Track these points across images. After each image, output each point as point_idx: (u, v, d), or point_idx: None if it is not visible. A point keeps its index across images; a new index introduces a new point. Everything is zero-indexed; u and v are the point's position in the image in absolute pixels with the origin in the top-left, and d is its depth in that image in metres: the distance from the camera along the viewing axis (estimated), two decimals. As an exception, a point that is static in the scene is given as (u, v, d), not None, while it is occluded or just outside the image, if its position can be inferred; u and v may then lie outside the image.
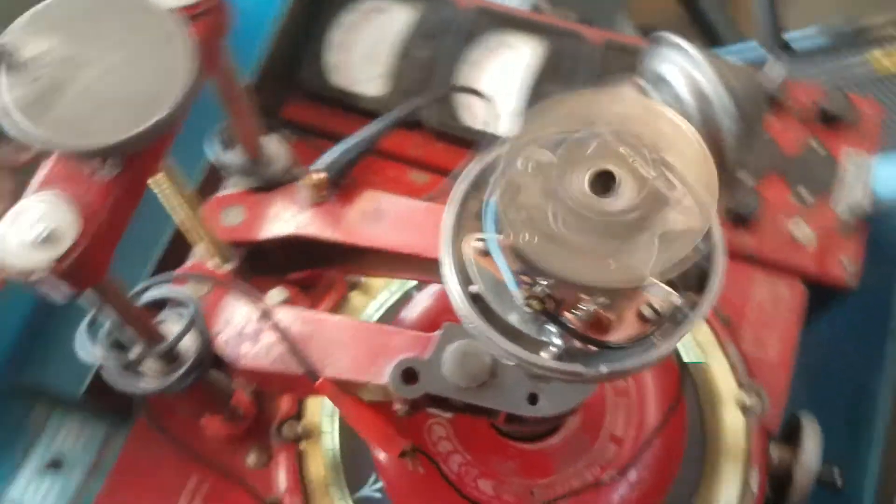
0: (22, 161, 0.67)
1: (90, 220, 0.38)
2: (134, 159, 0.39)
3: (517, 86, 0.83)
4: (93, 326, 0.49)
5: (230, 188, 0.62)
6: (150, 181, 0.46)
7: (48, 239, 0.37)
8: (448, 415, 0.58)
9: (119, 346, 0.50)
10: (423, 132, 0.83)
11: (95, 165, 0.39)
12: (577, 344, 0.36)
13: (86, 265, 0.38)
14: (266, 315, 0.53)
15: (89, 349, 0.48)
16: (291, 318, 0.55)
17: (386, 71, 0.85)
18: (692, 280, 0.37)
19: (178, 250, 0.63)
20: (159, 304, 0.53)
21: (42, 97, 0.37)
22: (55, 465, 0.73)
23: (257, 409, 0.70)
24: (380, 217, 0.57)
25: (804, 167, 0.81)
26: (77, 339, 0.48)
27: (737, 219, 0.78)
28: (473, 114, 0.82)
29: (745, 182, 0.78)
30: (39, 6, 0.39)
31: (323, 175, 0.58)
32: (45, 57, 0.38)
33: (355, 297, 0.73)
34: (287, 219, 0.59)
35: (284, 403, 0.71)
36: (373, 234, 0.56)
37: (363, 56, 0.86)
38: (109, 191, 0.39)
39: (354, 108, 0.83)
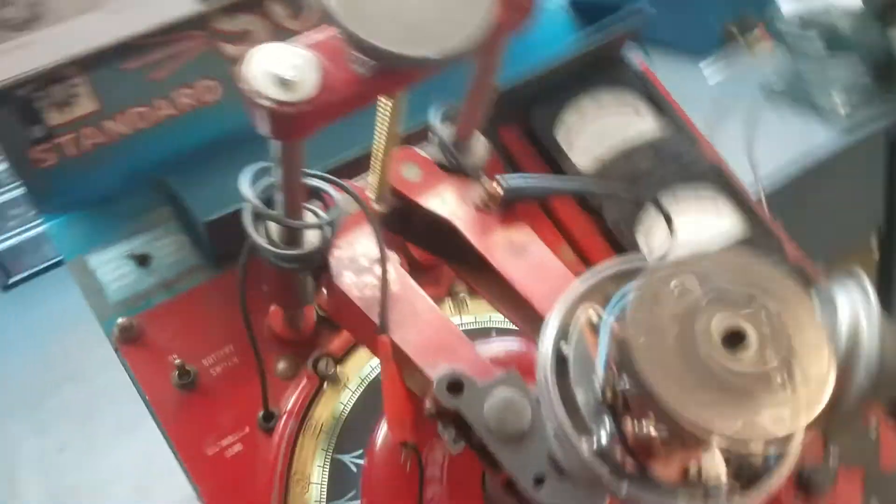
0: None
1: (328, 91, 0.43)
2: (388, 73, 0.44)
3: (703, 242, 0.85)
4: (259, 172, 0.54)
5: (424, 150, 0.66)
6: (380, 98, 0.51)
7: (290, 83, 0.42)
8: (457, 447, 0.59)
9: (266, 202, 0.55)
10: (595, 220, 0.85)
11: (360, 59, 0.44)
12: (617, 454, 0.37)
13: (302, 120, 0.43)
14: (382, 260, 0.57)
15: (246, 188, 0.53)
16: (396, 277, 0.58)
17: (603, 155, 0.88)
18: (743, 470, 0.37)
19: (358, 166, 0.67)
20: (314, 194, 0.58)
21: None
22: (141, 259, 0.80)
23: (314, 331, 0.75)
24: (522, 253, 0.59)
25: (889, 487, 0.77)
26: (242, 175, 0.53)
27: (802, 482, 0.75)
28: (648, 235, 0.84)
29: (831, 455, 0.75)
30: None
31: (501, 190, 0.62)
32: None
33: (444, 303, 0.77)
34: (449, 203, 0.63)
35: (336, 342, 0.74)
36: (507, 263, 0.59)
37: (595, 131, 0.90)
38: (355, 82, 0.44)
39: (556, 165, 0.87)
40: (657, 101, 0.94)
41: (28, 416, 1.55)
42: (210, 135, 0.88)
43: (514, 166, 0.88)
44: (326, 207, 0.58)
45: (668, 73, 0.99)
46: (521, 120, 0.90)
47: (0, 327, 1.94)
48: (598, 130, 0.91)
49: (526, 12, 0.49)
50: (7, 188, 2.08)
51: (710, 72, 1.87)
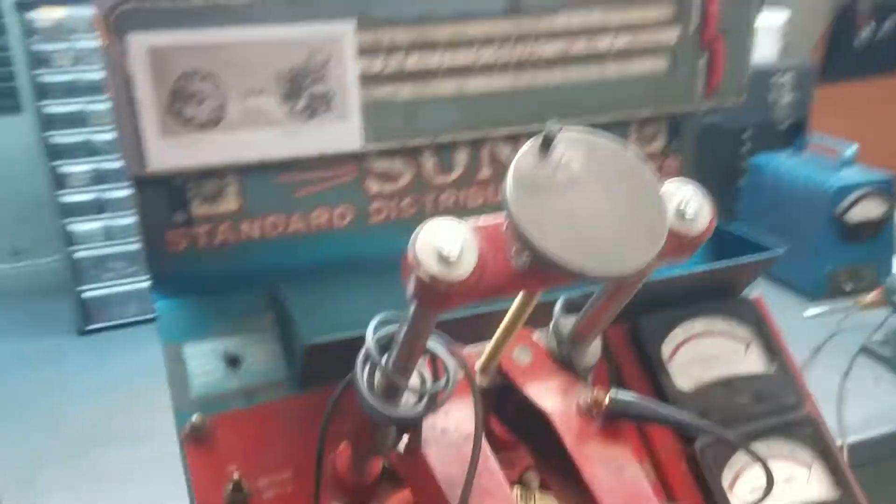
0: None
1: (480, 276, 0.44)
2: (542, 273, 0.45)
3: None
4: (383, 321, 0.55)
5: (539, 335, 0.66)
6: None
7: (448, 261, 0.43)
8: None
9: (381, 349, 0.55)
10: (684, 446, 0.83)
11: (520, 255, 0.45)
12: None
13: (448, 298, 0.44)
14: (475, 449, 0.55)
15: (371, 331, 0.54)
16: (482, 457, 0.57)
17: (704, 380, 0.87)
18: None
19: (473, 327, 0.67)
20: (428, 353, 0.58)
21: (544, 186, 0.44)
22: (232, 360, 0.81)
23: (376, 481, 0.72)
24: (617, 472, 0.57)
25: None
26: (371, 324, 0.54)
27: None
28: (737, 478, 0.80)
29: None
30: (588, 133, 0.47)
31: (608, 400, 0.60)
32: (568, 161, 0.45)
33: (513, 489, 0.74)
34: (552, 397, 0.62)
35: (395, 499, 0.72)
36: (598, 476, 0.57)
37: (701, 355, 0.89)
38: (508, 274, 0.45)
39: (655, 378, 0.86)
40: (768, 342, 0.93)
41: (66, 464, 1.55)
42: (331, 257, 0.91)
43: (614, 367, 0.87)
44: (435, 372, 0.57)
45: (772, 307, 0.98)
46: (630, 320, 0.90)
47: (67, 369, 1.99)
48: (704, 355, 0.90)
49: (692, 252, 0.50)
50: (115, 242, 2.19)
51: (815, 315, 1.84)
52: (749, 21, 0.95)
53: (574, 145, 0.45)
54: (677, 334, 0.91)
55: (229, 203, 0.86)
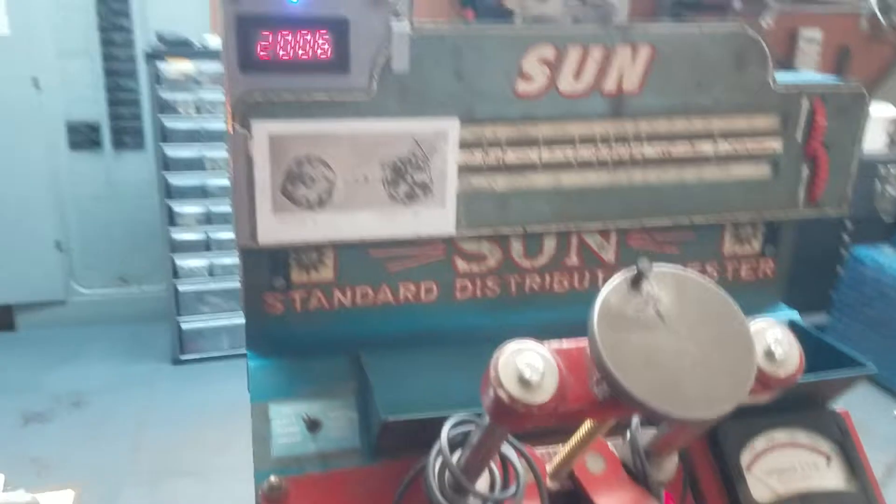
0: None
1: (559, 400, 0.46)
2: (621, 405, 0.46)
3: None
4: (459, 424, 0.57)
5: (615, 446, 0.67)
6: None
7: (529, 384, 0.45)
8: None
9: (455, 446, 0.57)
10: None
11: (598, 382, 0.46)
12: None
13: (523, 419, 0.45)
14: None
15: (446, 430, 0.56)
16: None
17: (782, 492, 0.85)
18: None
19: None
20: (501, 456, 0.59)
21: (631, 322, 0.45)
22: (312, 425, 0.84)
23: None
24: None
25: None
26: (447, 422, 0.56)
27: None
28: None
29: None
30: (679, 271, 0.48)
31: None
32: (656, 300, 0.46)
33: None
34: (621, 508, 0.62)
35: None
36: None
37: (780, 466, 0.87)
38: (587, 401, 0.46)
39: (732, 486, 0.84)
40: (851, 458, 0.90)
41: (144, 492, 1.63)
42: (416, 329, 0.94)
43: (689, 471, 0.85)
44: (506, 476, 0.59)
45: (861, 404, 0.94)
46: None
47: (158, 396, 2.10)
48: (783, 466, 0.88)
49: (778, 393, 0.50)
50: (216, 279, 2.31)
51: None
52: (855, 136, 0.94)
53: (664, 282, 0.46)
54: (758, 443, 0.89)
55: (325, 272, 0.90)
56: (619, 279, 0.46)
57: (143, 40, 2.34)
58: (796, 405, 0.91)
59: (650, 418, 0.45)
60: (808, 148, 0.93)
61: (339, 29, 0.74)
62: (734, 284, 1.05)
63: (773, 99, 0.90)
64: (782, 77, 0.90)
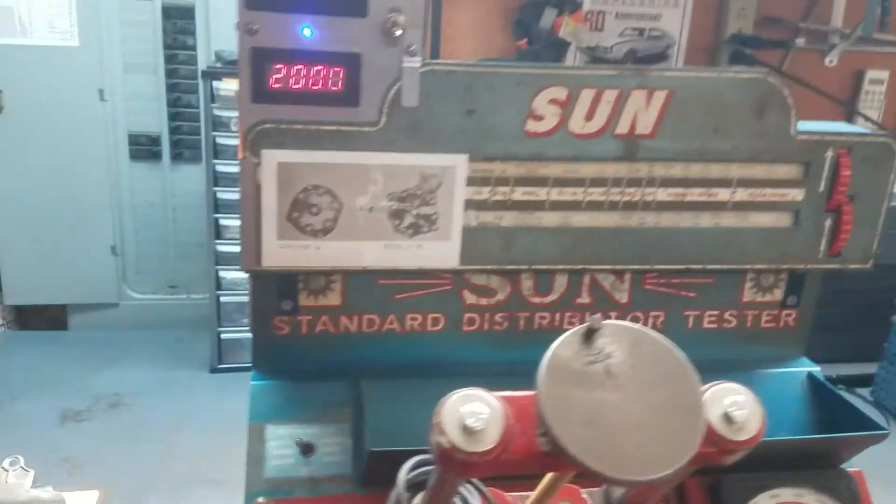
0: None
1: (502, 450, 0.45)
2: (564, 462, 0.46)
3: None
4: (418, 465, 0.57)
5: (588, 495, 0.66)
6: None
7: (472, 432, 0.45)
8: None
9: (415, 488, 0.57)
10: None
11: (542, 436, 0.46)
12: None
13: (468, 468, 0.45)
14: None
15: (404, 473, 0.56)
16: None
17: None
18: None
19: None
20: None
21: (579, 377, 0.45)
22: (306, 448, 0.85)
23: None
24: None
25: None
26: (406, 464, 0.56)
27: None
28: None
29: None
30: (636, 329, 0.47)
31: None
32: (608, 356, 0.46)
33: None
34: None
35: None
36: None
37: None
38: (531, 453, 0.46)
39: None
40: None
41: (170, 498, 1.67)
42: (420, 359, 0.95)
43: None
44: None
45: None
46: (711, 472, 0.86)
47: (192, 403, 2.15)
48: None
49: (736, 457, 0.49)
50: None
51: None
52: (883, 189, 0.90)
53: (619, 338, 0.46)
54: (762, 500, 0.85)
55: (333, 298, 0.92)
56: (571, 333, 0.46)
57: (204, 58, 2.43)
58: (806, 463, 0.88)
59: (587, 476, 0.44)
60: (831, 199, 0.90)
61: (351, 63, 0.76)
62: (754, 334, 1.02)
63: (794, 148, 0.87)
64: (806, 126, 0.88)
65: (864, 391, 2.38)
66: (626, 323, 0.47)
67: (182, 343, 2.54)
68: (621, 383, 0.45)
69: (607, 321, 0.46)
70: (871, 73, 2.78)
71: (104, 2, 2.39)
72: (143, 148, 2.58)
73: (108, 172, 2.57)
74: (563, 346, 0.46)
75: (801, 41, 2.62)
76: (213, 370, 2.34)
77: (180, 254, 2.67)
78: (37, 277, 2.62)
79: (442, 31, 2.53)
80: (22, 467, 1.34)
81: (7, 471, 1.35)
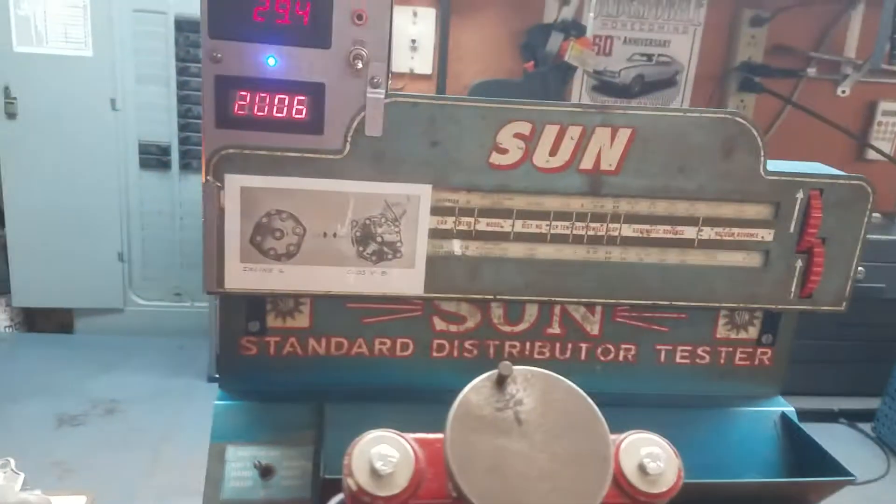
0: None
1: (410, 494, 0.45)
2: None
3: None
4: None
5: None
6: None
7: (380, 475, 0.45)
8: None
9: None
10: None
11: (449, 481, 0.46)
12: None
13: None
14: None
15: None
16: None
17: None
18: None
19: None
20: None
21: (487, 424, 0.45)
22: (265, 471, 0.86)
23: None
24: None
25: None
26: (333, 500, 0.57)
27: None
28: None
29: None
30: (549, 376, 0.47)
31: None
32: (518, 402, 0.46)
33: None
34: None
35: None
36: None
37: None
38: (442, 495, 0.46)
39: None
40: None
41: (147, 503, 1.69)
42: (388, 383, 0.95)
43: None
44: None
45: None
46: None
47: (185, 413, 2.16)
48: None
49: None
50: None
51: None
52: (856, 232, 0.90)
53: (531, 385, 0.46)
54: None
55: (301, 320, 0.93)
56: (482, 379, 0.46)
57: (216, 70, 2.46)
58: (770, 506, 0.87)
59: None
60: (801, 241, 0.89)
61: (315, 93, 0.77)
62: (728, 371, 1.01)
63: (764, 188, 0.87)
64: (776, 166, 0.88)
65: (867, 426, 2.34)
66: (538, 370, 0.47)
67: (183, 351, 2.56)
68: (529, 431, 0.45)
69: (519, 367, 0.46)
70: (885, 105, 2.75)
71: (118, 14, 2.43)
72: (153, 157, 2.61)
73: (118, 180, 2.60)
74: (474, 390, 0.46)
75: (812, 71, 2.59)
76: (211, 379, 2.35)
77: (186, 262, 2.69)
78: (45, 281, 2.66)
79: (449, 52, 2.54)
80: (13, 470, 1.35)
81: (-3, 473, 1.37)
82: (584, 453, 0.45)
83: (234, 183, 0.79)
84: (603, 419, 0.47)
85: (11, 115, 2.45)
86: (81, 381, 2.29)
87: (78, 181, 2.56)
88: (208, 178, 0.78)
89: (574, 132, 0.82)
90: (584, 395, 0.47)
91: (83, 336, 2.70)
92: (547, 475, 0.44)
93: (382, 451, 0.45)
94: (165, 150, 2.63)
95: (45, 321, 2.86)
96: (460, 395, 0.46)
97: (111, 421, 2.07)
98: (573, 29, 2.28)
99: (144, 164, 2.63)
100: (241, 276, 0.83)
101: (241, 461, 0.87)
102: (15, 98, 2.45)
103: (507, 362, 0.46)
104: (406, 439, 0.46)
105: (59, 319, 2.84)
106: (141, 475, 1.81)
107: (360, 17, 0.75)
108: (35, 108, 2.45)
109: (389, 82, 0.78)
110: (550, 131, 0.82)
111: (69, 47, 2.43)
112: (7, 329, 2.76)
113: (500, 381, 0.46)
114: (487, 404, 0.45)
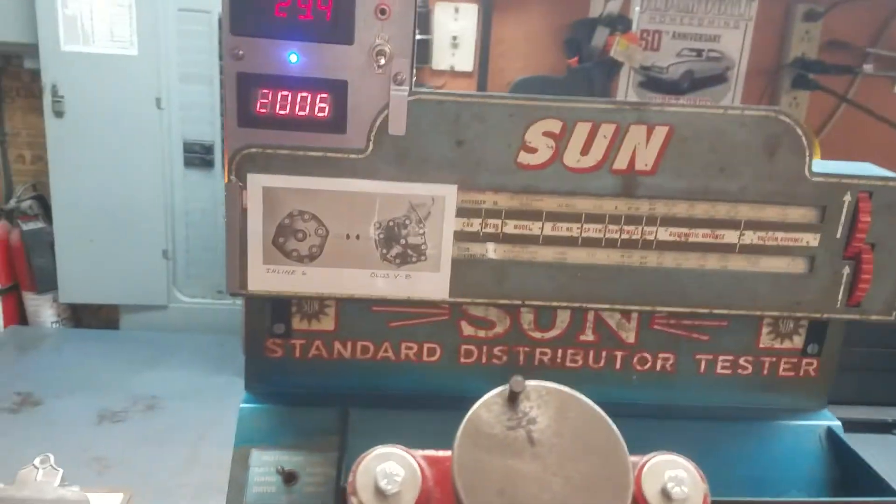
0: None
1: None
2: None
3: None
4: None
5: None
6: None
7: (384, 493, 0.43)
8: None
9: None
10: None
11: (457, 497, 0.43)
12: None
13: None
14: None
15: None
16: None
17: None
18: None
19: None
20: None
21: (498, 443, 0.42)
22: (288, 477, 0.84)
23: None
24: None
25: None
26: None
27: None
28: None
29: None
30: (565, 393, 0.44)
31: None
32: (531, 421, 0.43)
33: None
34: None
35: None
36: None
37: None
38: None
39: None
40: None
41: (183, 502, 1.70)
42: (414, 388, 0.93)
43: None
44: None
45: None
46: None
47: (218, 411, 2.17)
48: None
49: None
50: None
51: None
52: (908, 237, 0.84)
53: (545, 402, 0.43)
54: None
55: (327, 323, 0.91)
56: (493, 395, 0.43)
57: (258, 70, 2.47)
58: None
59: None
60: (849, 247, 0.84)
61: (337, 90, 0.75)
62: (771, 382, 0.96)
63: (809, 190, 0.82)
64: (823, 167, 0.83)
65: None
66: (553, 385, 0.44)
67: (224, 348, 2.59)
68: (542, 452, 0.42)
69: (532, 382, 0.43)
70: (946, 103, 2.63)
71: (162, 13, 2.47)
72: (197, 156, 2.64)
73: (163, 178, 2.64)
74: (484, 406, 0.43)
75: (868, 67, 2.49)
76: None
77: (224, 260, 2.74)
78: (91, 277, 2.72)
79: (491, 48, 2.51)
80: (52, 466, 1.37)
81: (37, 468, 1.39)
82: (601, 479, 0.42)
83: (256, 183, 0.77)
84: (623, 442, 0.44)
85: (59, 114, 2.51)
86: (124, 377, 2.33)
87: (123, 179, 2.60)
88: (231, 177, 0.77)
89: (607, 130, 0.78)
90: (604, 414, 0.44)
91: (128, 332, 2.75)
92: (560, 501, 0.41)
93: (388, 469, 0.43)
94: (209, 149, 2.66)
95: (91, 317, 2.93)
96: (470, 412, 0.43)
97: (151, 417, 2.10)
98: (619, 23, 2.22)
99: (188, 163, 2.66)
100: (264, 277, 0.81)
101: (264, 466, 0.86)
102: (62, 97, 2.50)
103: (519, 377, 0.43)
104: (414, 457, 0.44)
105: (105, 316, 2.91)
106: (178, 472, 1.82)
107: (383, 12, 0.73)
108: (82, 107, 2.51)
109: (414, 79, 0.76)
110: (582, 129, 0.78)
111: (115, 46, 2.48)
112: (54, 324, 2.82)
113: (513, 398, 0.43)
114: (498, 422, 0.42)
